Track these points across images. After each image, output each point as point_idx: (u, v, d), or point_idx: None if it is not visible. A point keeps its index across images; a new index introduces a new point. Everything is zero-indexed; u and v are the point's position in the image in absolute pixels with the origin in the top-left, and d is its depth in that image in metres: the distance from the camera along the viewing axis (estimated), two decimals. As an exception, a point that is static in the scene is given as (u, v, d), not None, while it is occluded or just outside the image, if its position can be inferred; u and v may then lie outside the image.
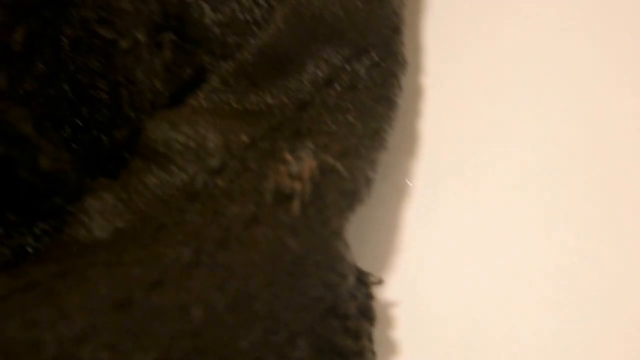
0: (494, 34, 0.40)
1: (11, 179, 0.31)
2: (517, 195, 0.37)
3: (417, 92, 0.39)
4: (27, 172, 0.31)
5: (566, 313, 0.34)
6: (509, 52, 0.39)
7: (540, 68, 0.39)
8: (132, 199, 0.31)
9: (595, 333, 0.34)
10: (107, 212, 0.31)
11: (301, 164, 0.31)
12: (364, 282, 0.32)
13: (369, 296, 0.32)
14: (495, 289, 0.35)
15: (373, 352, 0.31)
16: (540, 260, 0.35)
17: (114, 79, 0.34)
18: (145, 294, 0.27)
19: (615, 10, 0.40)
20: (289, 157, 0.31)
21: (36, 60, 0.33)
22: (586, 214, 0.36)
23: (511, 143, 0.38)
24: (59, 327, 0.26)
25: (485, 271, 0.35)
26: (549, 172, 0.37)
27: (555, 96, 0.38)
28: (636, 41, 0.40)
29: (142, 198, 0.31)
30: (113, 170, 0.34)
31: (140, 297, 0.27)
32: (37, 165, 0.31)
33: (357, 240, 0.33)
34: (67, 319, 0.26)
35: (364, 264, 0.32)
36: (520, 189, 0.37)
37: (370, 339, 0.31)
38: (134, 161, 0.33)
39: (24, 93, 0.33)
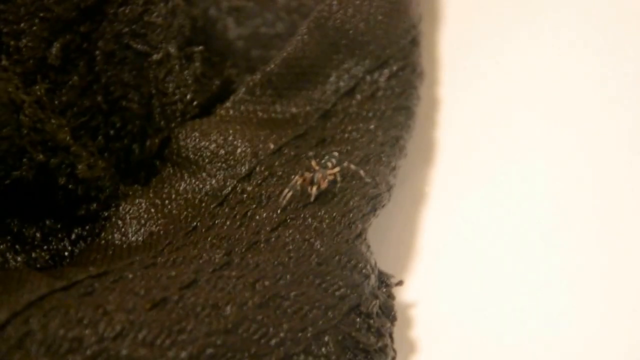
0: (510, 46, 0.40)
1: (50, 186, 0.32)
2: (531, 200, 0.37)
3: (434, 102, 0.40)
4: (65, 180, 0.32)
5: (584, 317, 0.34)
6: (524, 63, 0.40)
7: (556, 79, 0.39)
8: (164, 204, 0.33)
9: (613, 337, 0.34)
10: (142, 217, 0.32)
11: (325, 172, 0.32)
12: (386, 283, 0.33)
13: (390, 296, 0.33)
14: (510, 290, 0.35)
15: (394, 350, 0.32)
16: (556, 263, 0.36)
17: (145, 91, 0.35)
18: (180, 293, 0.28)
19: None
20: (315, 164, 0.32)
21: (72, 73, 0.35)
22: (601, 220, 0.36)
23: (525, 150, 0.38)
24: (99, 324, 0.26)
25: (500, 273, 0.36)
26: (563, 178, 0.37)
27: (570, 107, 0.39)
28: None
29: (175, 203, 0.33)
30: (145, 177, 0.36)
31: (175, 296, 0.28)
32: (74, 173, 0.32)
33: (378, 243, 0.34)
34: (106, 317, 0.27)
35: (384, 266, 0.33)
36: (534, 195, 0.37)
37: (391, 337, 0.32)
38: (165, 169, 0.34)
39: (60, 104, 0.34)
